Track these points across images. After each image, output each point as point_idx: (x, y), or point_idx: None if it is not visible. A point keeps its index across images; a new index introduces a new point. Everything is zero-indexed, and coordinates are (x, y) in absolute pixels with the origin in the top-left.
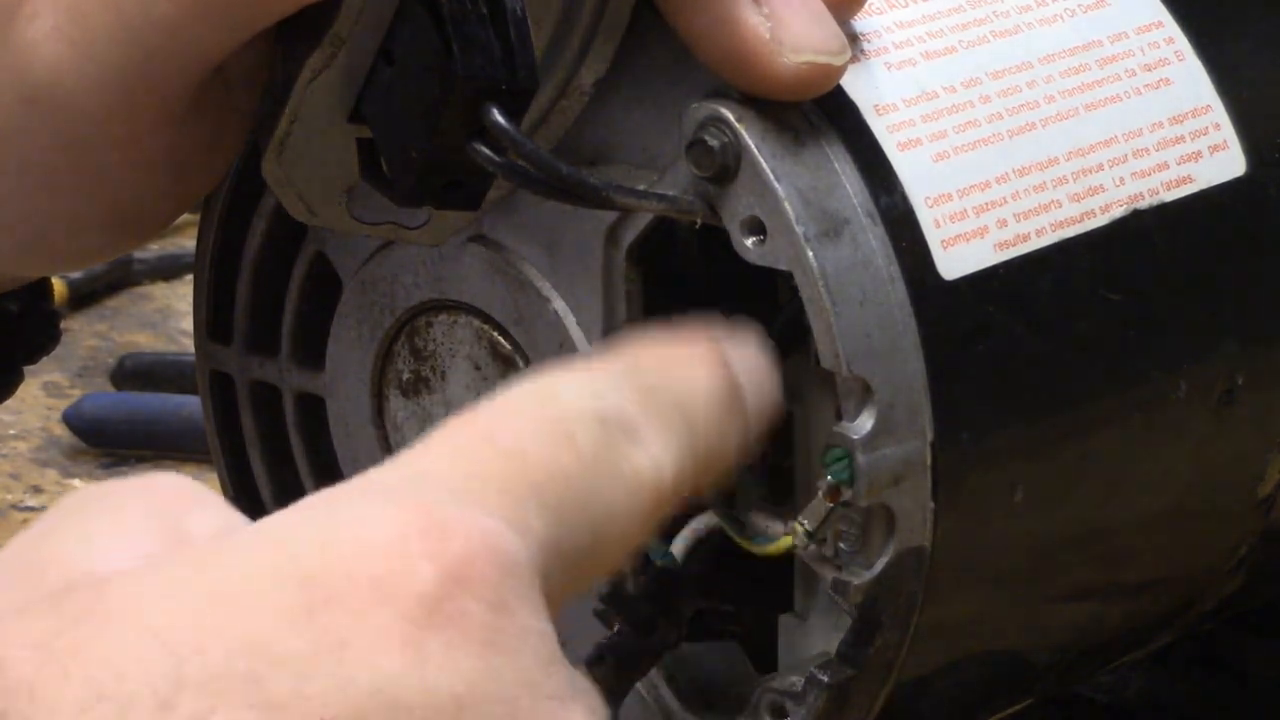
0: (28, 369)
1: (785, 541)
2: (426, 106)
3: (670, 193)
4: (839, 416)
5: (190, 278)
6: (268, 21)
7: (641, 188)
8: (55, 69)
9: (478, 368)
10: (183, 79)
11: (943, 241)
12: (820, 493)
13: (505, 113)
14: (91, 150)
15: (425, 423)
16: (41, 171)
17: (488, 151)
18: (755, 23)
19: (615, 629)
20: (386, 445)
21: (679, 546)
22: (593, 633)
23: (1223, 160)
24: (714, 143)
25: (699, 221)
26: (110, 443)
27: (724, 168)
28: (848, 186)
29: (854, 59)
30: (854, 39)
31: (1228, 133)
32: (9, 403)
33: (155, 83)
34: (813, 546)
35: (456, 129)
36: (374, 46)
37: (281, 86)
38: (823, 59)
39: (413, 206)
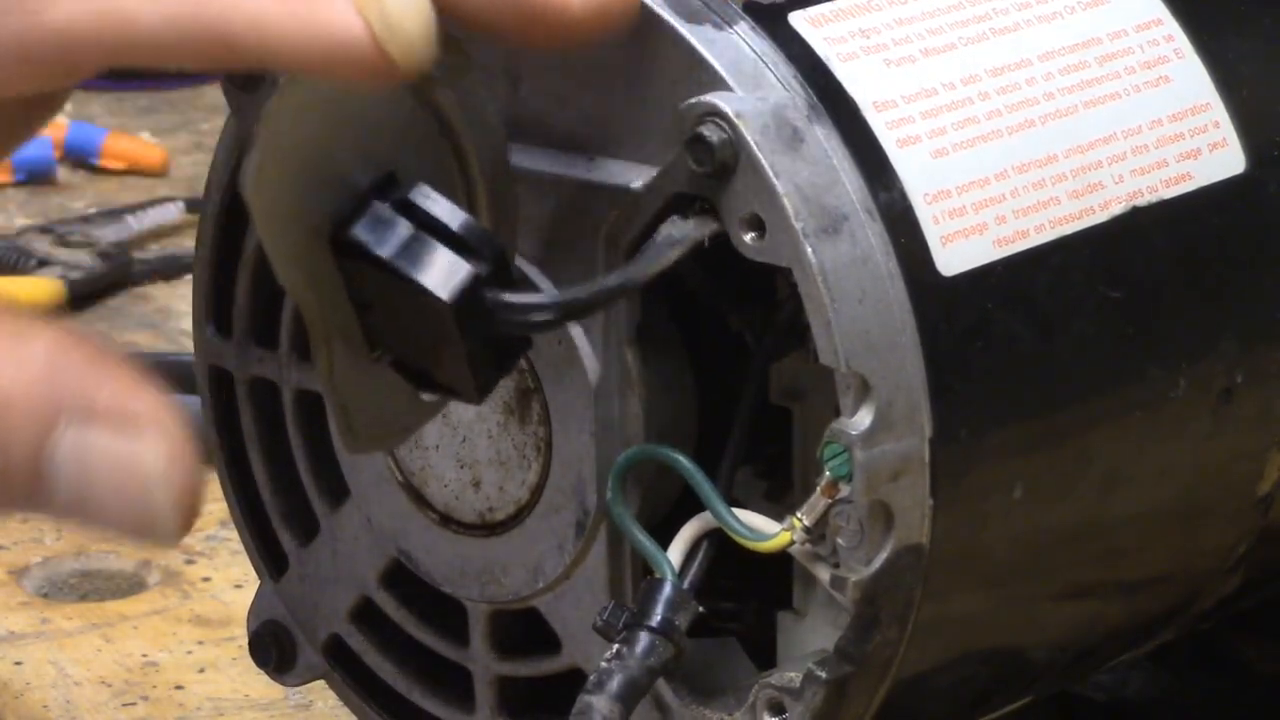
0: None
1: (784, 538)
2: (435, 332)
3: (680, 234)
4: (838, 413)
5: (190, 278)
6: None
7: (661, 238)
8: None
9: None
10: None
11: (942, 238)
12: (819, 488)
13: (500, 286)
14: None
15: None
16: None
17: (516, 320)
18: None
19: (615, 651)
20: None
21: (675, 552)
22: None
23: (1222, 158)
24: (713, 138)
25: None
26: None
27: (723, 164)
28: (847, 183)
29: (854, 55)
30: (854, 35)
31: (1227, 130)
32: None
33: None
34: (808, 545)
35: (474, 330)
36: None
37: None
38: None
39: (490, 393)
